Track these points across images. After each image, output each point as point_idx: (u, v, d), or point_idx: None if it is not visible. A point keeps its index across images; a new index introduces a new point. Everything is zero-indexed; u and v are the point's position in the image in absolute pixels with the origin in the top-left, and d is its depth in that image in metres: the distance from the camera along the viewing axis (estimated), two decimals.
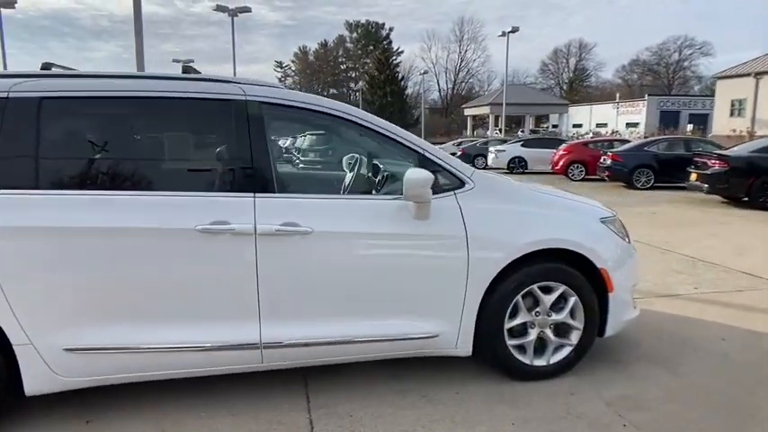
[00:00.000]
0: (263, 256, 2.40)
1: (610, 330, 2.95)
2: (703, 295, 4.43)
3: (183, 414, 2.55)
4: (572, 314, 2.87)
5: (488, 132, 43.72)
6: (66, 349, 2.29)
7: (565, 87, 69.28)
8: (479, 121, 54.04)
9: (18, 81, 2.29)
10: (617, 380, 2.90)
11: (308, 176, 2.79)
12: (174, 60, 36.77)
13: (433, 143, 3.19)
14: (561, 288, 2.80)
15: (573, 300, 2.84)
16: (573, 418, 2.50)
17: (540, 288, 2.79)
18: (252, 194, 2.43)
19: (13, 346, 2.24)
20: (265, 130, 2.52)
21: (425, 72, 49.85)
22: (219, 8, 23.39)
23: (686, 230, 7.53)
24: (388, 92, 54.60)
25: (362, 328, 2.59)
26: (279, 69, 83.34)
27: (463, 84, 72.42)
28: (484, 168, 21.30)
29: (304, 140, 13.97)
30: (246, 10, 23.78)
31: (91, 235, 2.25)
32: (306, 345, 2.53)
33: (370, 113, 2.71)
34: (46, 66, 2.53)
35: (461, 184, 2.71)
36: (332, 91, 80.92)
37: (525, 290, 2.76)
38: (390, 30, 72.56)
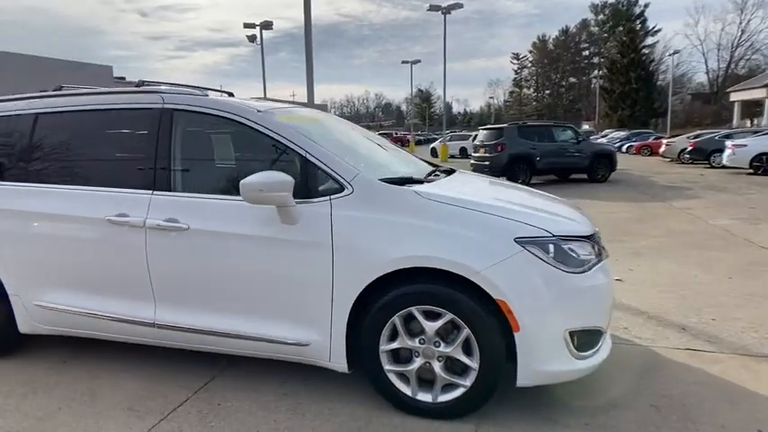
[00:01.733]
0: (151, 246, 2.72)
1: (523, 379, 2.36)
2: None
3: (120, 368, 3.08)
4: (466, 349, 2.40)
5: (764, 122, 34.84)
6: (35, 304, 3.03)
7: None
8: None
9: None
10: None
11: (220, 177, 2.96)
12: (403, 62, 39.86)
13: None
14: (448, 316, 2.38)
15: (465, 332, 2.37)
16: None
17: (424, 312, 2.42)
18: (150, 192, 2.77)
19: (9, 296, 3.08)
20: (172, 134, 2.81)
21: (675, 52, 42.37)
22: (433, 8, 24.36)
23: None
24: (631, 78, 48.54)
25: (240, 325, 2.68)
26: (515, 61, 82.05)
27: (742, 61, 58.93)
28: (722, 167, 17.28)
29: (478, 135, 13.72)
30: (458, 6, 24.14)
31: (37, 219, 2.93)
32: (190, 330, 2.76)
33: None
34: (57, 87, 3.33)
35: (340, 188, 2.54)
36: (571, 80, 75.90)
37: (404, 311, 2.43)
38: (645, 6, 63.88)
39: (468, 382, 2.42)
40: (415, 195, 2.51)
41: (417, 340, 2.46)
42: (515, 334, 2.31)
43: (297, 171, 2.61)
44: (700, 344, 3.33)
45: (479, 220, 2.41)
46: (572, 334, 2.37)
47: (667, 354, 3.19)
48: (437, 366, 2.46)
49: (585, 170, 13.35)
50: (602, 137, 34.80)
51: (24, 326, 3.12)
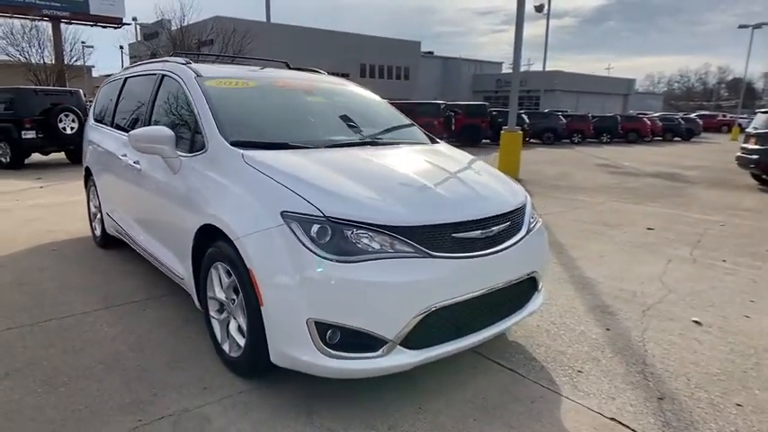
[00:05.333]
0: (133, 180, 3.60)
1: (274, 357, 2.28)
2: None
3: (142, 272, 4.13)
4: (244, 312, 2.43)
5: None
6: (105, 212, 4.36)
7: None
8: None
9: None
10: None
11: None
12: (740, 26, 32.07)
13: None
14: (233, 276, 2.45)
15: (240, 296, 2.42)
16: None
17: (226, 270, 2.55)
18: None
19: (101, 206, 4.50)
20: (158, 94, 3.56)
21: None
22: None
23: None
24: None
25: (160, 250, 3.33)
26: None
27: None
28: None
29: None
30: None
31: (104, 152, 4.19)
32: (143, 248, 3.56)
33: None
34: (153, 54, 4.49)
35: (204, 147, 2.82)
36: None
37: (214, 265, 2.62)
38: None
39: (242, 344, 2.46)
40: (240, 159, 2.60)
41: (225, 295, 2.61)
42: (261, 308, 2.24)
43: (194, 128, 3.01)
44: (647, 421, 2.30)
45: (268, 189, 2.37)
46: (319, 325, 2.13)
47: (569, 413, 2.35)
48: (233, 322, 2.57)
49: None
50: None
51: (108, 227, 4.50)
